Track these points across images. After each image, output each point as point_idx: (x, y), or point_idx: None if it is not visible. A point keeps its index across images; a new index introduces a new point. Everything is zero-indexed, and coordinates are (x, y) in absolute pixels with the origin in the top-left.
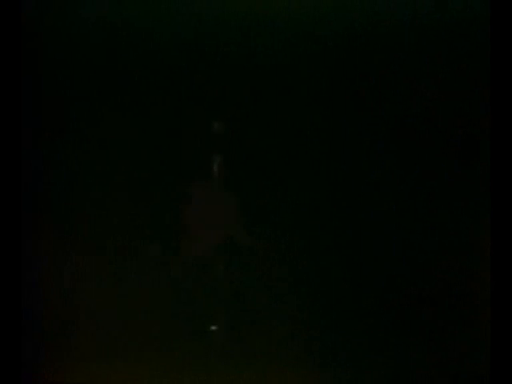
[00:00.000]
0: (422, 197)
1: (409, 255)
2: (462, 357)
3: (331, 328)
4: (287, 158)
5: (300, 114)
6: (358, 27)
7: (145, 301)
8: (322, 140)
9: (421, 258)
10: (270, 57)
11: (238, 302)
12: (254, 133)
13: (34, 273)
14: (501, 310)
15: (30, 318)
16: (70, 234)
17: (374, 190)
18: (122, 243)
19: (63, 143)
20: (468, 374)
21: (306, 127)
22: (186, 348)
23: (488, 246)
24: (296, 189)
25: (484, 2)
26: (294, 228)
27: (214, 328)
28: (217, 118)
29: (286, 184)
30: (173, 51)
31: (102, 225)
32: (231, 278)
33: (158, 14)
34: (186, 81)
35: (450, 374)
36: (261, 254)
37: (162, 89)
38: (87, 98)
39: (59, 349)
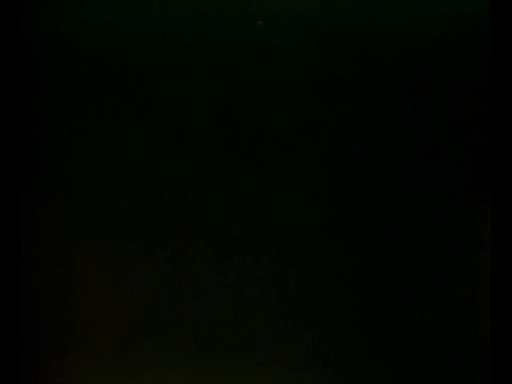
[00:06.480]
0: (421, 197)
1: (409, 255)
2: (462, 357)
3: (330, 329)
4: (286, 158)
5: (299, 114)
6: (358, 27)
7: (148, 302)
8: (322, 140)
9: (421, 259)
10: (269, 56)
11: (237, 302)
12: (256, 133)
13: (35, 273)
14: (501, 311)
15: (30, 319)
16: (72, 234)
17: (374, 190)
18: (124, 243)
19: (63, 142)
20: (468, 374)
21: (306, 128)
22: (189, 350)
23: (488, 246)
24: (297, 189)
25: (484, 1)
26: (295, 228)
27: (217, 331)
28: (217, 119)
29: (287, 184)
30: (173, 51)
31: (105, 224)
32: (230, 278)
33: (158, 14)
34: (185, 80)
35: (450, 374)
36: (261, 254)
37: (161, 89)
38: (87, 97)
39: (59, 350)
